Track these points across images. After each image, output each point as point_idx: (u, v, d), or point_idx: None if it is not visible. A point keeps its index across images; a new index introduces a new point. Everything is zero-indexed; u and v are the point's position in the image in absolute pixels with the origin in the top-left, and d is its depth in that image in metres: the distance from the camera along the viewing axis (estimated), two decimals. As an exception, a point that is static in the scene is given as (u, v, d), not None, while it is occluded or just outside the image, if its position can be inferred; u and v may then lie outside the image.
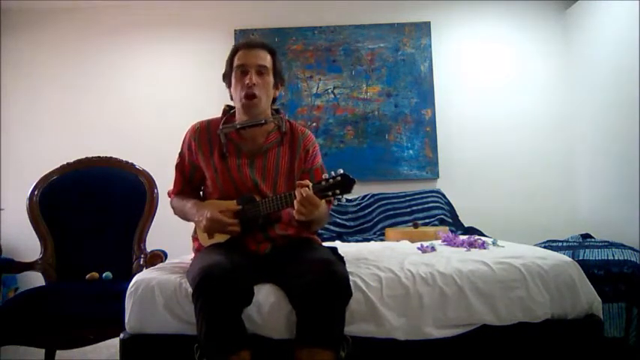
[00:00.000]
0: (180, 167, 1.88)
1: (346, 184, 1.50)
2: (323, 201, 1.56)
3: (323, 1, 3.95)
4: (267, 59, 1.76)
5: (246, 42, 1.81)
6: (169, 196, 1.92)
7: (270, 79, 1.76)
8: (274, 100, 1.84)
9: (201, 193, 1.91)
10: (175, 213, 1.89)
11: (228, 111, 1.85)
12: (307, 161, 1.82)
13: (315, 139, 1.89)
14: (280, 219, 1.75)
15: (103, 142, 3.59)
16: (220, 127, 1.76)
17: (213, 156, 1.77)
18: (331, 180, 1.52)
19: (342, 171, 1.52)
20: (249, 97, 1.71)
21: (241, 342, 1.40)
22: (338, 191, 1.51)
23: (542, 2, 3.92)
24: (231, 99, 1.83)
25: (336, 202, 1.62)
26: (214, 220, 1.64)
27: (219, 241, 1.70)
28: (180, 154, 1.87)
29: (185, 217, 1.83)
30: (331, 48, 3.91)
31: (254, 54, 1.74)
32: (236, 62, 1.76)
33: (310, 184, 1.54)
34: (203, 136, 1.80)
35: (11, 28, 3.94)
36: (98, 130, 3.86)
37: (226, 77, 1.82)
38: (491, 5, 3.95)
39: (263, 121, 1.75)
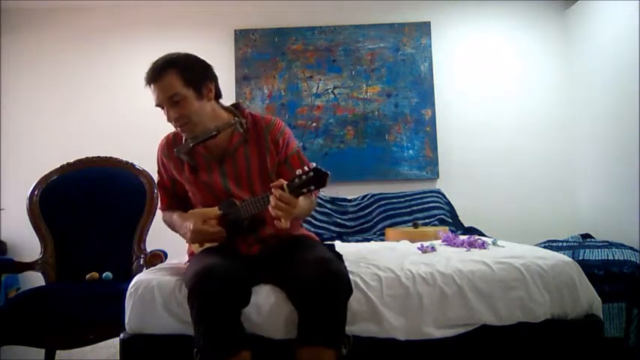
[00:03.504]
0: (161, 184, 1.85)
1: (320, 179, 1.43)
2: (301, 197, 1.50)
3: (323, 1, 3.95)
4: (172, 85, 1.61)
5: (147, 73, 1.67)
6: (161, 211, 1.90)
7: (189, 97, 1.61)
8: (217, 97, 1.72)
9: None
10: (168, 227, 1.86)
11: None
12: (280, 152, 1.72)
13: (283, 125, 1.75)
14: (265, 219, 1.69)
15: (103, 142, 3.59)
16: (175, 149, 1.71)
17: (185, 171, 1.74)
18: (304, 177, 1.44)
19: (314, 165, 1.44)
20: (180, 128, 1.65)
21: (241, 342, 1.40)
22: (312, 187, 1.44)
23: (542, 2, 3.92)
24: None
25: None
26: (198, 232, 1.62)
27: (211, 246, 1.69)
28: (158, 172, 1.84)
29: (175, 231, 1.80)
30: (331, 48, 3.91)
31: (158, 89, 1.63)
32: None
33: (285, 184, 1.46)
34: (171, 151, 1.75)
35: (11, 28, 3.94)
36: (98, 129, 3.86)
37: None
38: (491, 5, 3.95)
39: (215, 132, 1.65)
